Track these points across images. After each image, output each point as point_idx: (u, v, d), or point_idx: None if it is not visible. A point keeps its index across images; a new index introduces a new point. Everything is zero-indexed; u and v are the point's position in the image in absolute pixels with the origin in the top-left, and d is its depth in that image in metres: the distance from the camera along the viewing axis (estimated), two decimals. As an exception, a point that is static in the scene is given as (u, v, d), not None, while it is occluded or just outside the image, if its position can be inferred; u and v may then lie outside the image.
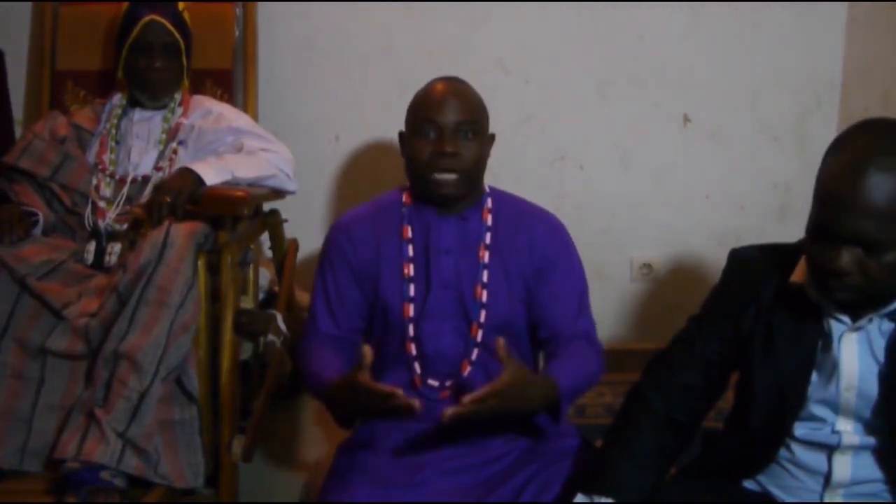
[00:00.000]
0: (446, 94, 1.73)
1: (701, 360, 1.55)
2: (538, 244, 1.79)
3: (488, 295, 1.76)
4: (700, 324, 1.58)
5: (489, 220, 1.80)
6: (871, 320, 1.40)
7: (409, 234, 1.79)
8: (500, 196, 1.85)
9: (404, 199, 1.82)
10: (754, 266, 1.52)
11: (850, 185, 1.28)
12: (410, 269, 1.77)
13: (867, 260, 1.30)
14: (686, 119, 2.79)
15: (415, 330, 1.76)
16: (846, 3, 2.72)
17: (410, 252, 1.78)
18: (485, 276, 1.76)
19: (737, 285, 1.53)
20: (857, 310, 1.40)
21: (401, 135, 1.81)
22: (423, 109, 1.73)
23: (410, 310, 1.76)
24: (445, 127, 1.70)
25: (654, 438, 1.54)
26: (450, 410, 1.47)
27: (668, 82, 2.76)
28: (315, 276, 1.85)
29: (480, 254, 1.77)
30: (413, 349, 1.76)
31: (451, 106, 1.71)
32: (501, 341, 1.52)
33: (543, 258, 1.79)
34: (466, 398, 1.47)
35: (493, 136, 1.81)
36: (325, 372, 1.68)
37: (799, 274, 1.46)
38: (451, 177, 1.71)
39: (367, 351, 1.53)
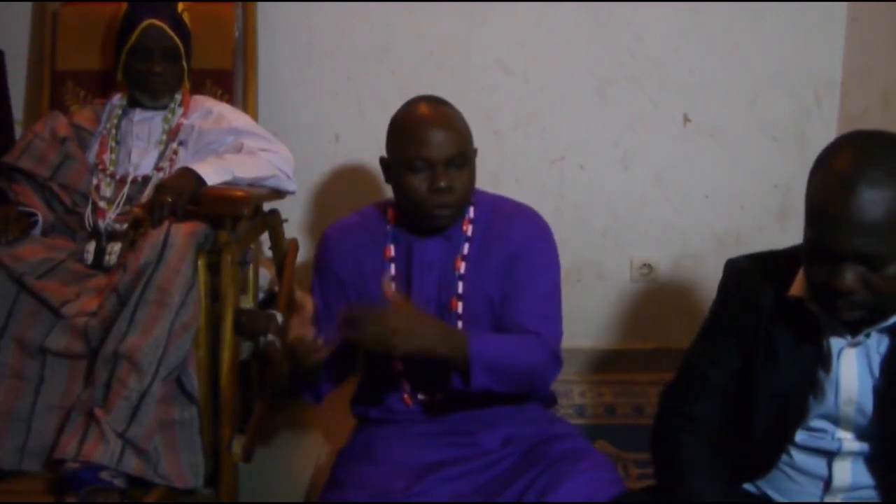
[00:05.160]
0: (432, 126, 1.68)
1: (720, 386, 1.51)
2: (511, 236, 1.76)
3: (464, 307, 1.74)
4: (709, 348, 1.53)
5: (469, 230, 1.78)
6: (869, 335, 1.38)
7: (392, 253, 1.78)
8: (483, 200, 1.82)
9: (389, 216, 1.81)
10: (750, 277, 1.48)
11: (842, 205, 1.24)
12: (392, 289, 1.75)
13: (871, 275, 1.27)
14: (686, 119, 2.79)
15: None
16: (846, 3, 2.71)
17: (393, 271, 1.77)
18: (459, 287, 1.75)
19: (735, 298, 1.50)
20: (857, 325, 1.37)
21: (383, 162, 1.77)
22: (412, 146, 1.68)
23: None
24: (437, 163, 1.67)
25: (705, 460, 1.49)
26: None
27: (668, 82, 2.75)
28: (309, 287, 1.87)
29: (456, 265, 1.76)
30: (399, 365, 1.76)
31: (439, 140, 1.67)
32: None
33: (515, 249, 1.74)
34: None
35: (475, 151, 1.77)
36: None
37: (797, 287, 1.42)
38: (448, 210, 1.70)
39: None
